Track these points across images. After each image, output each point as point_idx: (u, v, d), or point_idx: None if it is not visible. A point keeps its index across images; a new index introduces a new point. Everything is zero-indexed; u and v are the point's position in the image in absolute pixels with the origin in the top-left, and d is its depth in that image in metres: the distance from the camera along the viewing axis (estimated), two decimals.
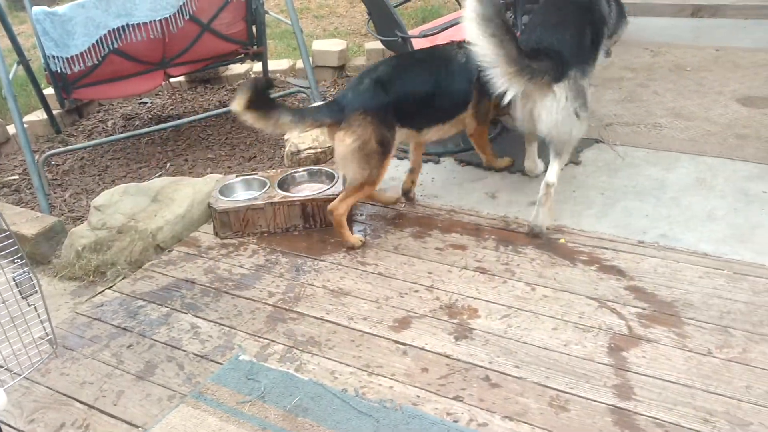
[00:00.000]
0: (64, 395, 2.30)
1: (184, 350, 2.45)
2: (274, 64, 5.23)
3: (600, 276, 2.61)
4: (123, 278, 2.93)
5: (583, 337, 2.31)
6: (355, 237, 2.99)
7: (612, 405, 2.03)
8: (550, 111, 2.79)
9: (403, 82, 2.92)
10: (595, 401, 2.05)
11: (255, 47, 4.42)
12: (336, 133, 2.83)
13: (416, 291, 2.64)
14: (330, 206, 2.96)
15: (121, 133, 4.48)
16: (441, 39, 3.62)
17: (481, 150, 3.37)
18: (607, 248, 2.78)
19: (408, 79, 2.95)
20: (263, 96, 2.71)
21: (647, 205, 3.04)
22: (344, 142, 2.79)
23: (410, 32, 3.56)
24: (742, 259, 2.61)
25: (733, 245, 2.70)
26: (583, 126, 2.90)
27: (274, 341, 2.45)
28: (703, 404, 2.00)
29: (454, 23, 3.50)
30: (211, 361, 2.38)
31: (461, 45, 2.97)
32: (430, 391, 2.15)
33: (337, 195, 3.05)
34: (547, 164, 2.96)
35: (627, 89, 4.18)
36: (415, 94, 2.93)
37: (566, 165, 3.42)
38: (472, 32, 2.55)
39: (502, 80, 2.63)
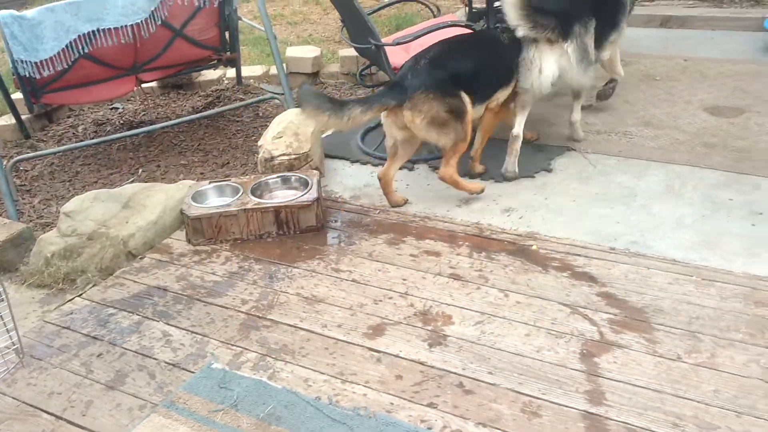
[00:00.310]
0: (31, 406, 2.25)
1: (155, 359, 2.42)
2: (247, 70, 5.21)
3: (572, 282, 2.64)
4: (93, 286, 2.88)
5: (556, 343, 2.33)
6: (476, 185, 3.27)
7: (584, 410, 2.05)
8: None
9: (457, 60, 3.14)
10: (567, 407, 2.07)
11: (228, 53, 4.40)
12: (404, 114, 3.04)
13: (390, 298, 2.64)
14: (440, 174, 3.21)
15: (92, 138, 4.42)
16: (415, 47, 3.65)
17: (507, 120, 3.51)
18: (579, 255, 2.81)
19: (460, 57, 3.17)
20: (327, 98, 2.96)
21: (618, 212, 3.09)
22: (414, 122, 3.05)
23: (384, 40, 3.57)
24: (709, 265, 2.66)
25: (702, 252, 2.75)
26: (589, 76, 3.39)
27: (247, 349, 2.43)
28: (673, 409, 2.03)
29: (427, 31, 3.54)
30: (183, 369, 2.35)
31: (504, 30, 3.29)
32: (404, 399, 2.15)
33: (312, 201, 3.06)
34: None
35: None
36: (468, 70, 3.14)
37: (538, 172, 3.47)
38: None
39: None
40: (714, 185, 3.21)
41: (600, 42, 3.44)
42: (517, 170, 3.43)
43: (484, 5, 4.56)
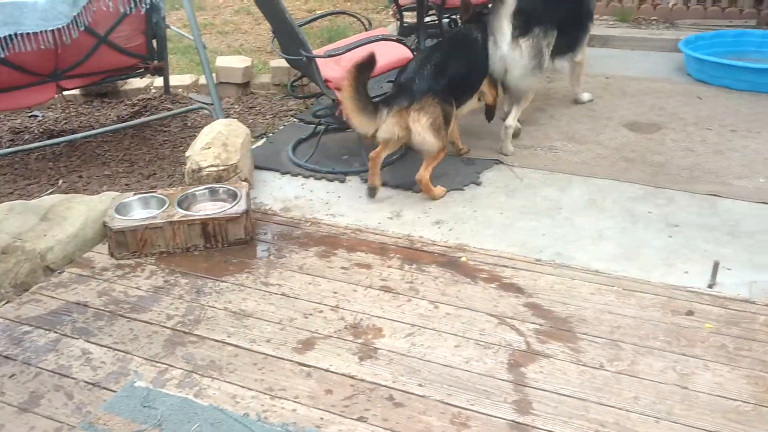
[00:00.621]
0: None
1: (73, 378, 2.31)
2: (176, 79, 5.10)
3: (500, 293, 2.69)
4: (6, 302, 2.74)
5: (484, 354, 2.36)
6: (440, 189, 3.45)
7: (511, 420, 2.09)
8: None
9: (452, 66, 3.42)
10: (495, 417, 2.10)
11: (155, 61, 4.30)
12: (410, 114, 3.25)
13: (321, 311, 2.62)
14: (418, 176, 3.38)
15: (8, 147, 4.22)
16: (346, 60, 3.65)
17: (493, 108, 3.88)
18: (506, 266, 2.86)
19: (454, 63, 3.44)
20: (370, 100, 3.18)
21: (544, 224, 3.17)
22: (420, 122, 3.26)
23: (315, 52, 3.57)
24: (629, 275, 2.76)
25: (622, 263, 2.85)
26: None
27: (172, 366, 2.35)
28: (596, 416, 2.09)
29: (359, 45, 3.55)
30: (104, 388, 2.26)
31: (478, 27, 3.61)
32: (334, 413, 2.13)
33: (240, 214, 3.01)
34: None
35: (525, 113, 4.32)
36: (459, 75, 3.45)
37: (467, 185, 3.52)
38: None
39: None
40: (633, 198, 3.34)
41: (556, 54, 3.87)
42: (510, 150, 3.82)
43: (415, 21, 4.63)
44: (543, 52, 3.69)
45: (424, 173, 3.38)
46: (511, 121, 3.78)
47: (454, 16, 5.20)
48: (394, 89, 3.42)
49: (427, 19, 4.84)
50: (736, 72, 4.62)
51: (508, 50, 3.56)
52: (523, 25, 3.55)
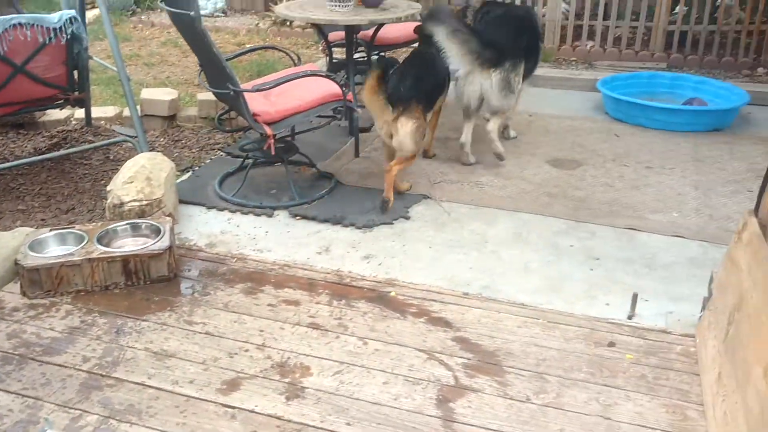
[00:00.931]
0: None
1: None
2: (98, 111, 4.95)
3: (429, 328, 2.69)
4: None
5: (413, 390, 2.35)
6: (406, 184, 3.84)
7: None
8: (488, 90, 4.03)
9: (425, 78, 3.76)
10: None
11: (76, 93, 4.15)
12: (398, 119, 3.55)
13: (247, 350, 2.55)
14: (387, 167, 3.66)
15: None
16: (274, 94, 3.65)
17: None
18: (435, 300, 2.87)
19: (426, 75, 3.79)
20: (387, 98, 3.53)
21: (471, 258, 3.21)
22: (406, 126, 3.57)
23: (243, 86, 3.54)
24: (554, 308, 2.82)
25: (547, 295, 2.91)
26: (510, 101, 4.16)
27: (87, 411, 2.23)
28: None
29: (287, 79, 3.55)
30: None
31: (430, 48, 3.92)
32: None
33: (163, 250, 2.93)
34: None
35: (453, 149, 4.43)
36: (430, 85, 3.81)
37: (396, 219, 3.54)
38: (448, 44, 3.83)
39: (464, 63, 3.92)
40: (557, 232, 3.44)
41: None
42: (471, 161, 4.23)
43: (345, 57, 4.67)
44: (512, 83, 4.09)
45: (393, 167, 3.64)
46: (492, 126, 4.17)
47: (383, 53, 5.30)
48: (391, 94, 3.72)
49: (356, 55, 4.89)
50: (649, 111, 4.87)
51: (485, 83, 4.00)
52: (495, 59, 3.95)
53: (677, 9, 6.50)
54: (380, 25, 4.61)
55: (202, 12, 8.83)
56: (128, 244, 3.09)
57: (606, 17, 6.61)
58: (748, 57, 6.27)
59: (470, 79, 4.01)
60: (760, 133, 4.79)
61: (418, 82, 3.67)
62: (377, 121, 3.68)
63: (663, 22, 6.36)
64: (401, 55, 6.72)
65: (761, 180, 2.41)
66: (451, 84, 4.13)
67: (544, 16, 6.72)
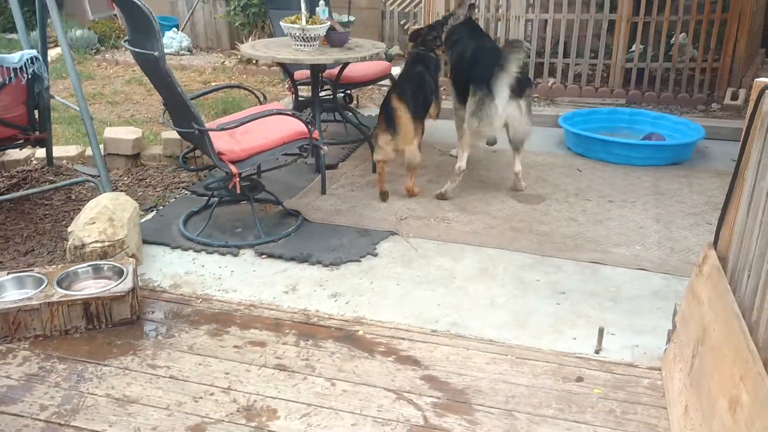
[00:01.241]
0: None
1: None
2: (60, 150, 4.88)
3: (397, 367, 2.67)
4: None
5: (382, 431, 2.32)
6: (417, 189, 4.34)
7: None
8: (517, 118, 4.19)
9: (419, 90, 4.21)
10: None
11: (37, 133, 4.10)
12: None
13: (212, 394, 2.49)
14: (406, 186, 4.30)
15: None
16: (239, 133, 3.65)
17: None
18: (403, 338, 2.86)
19: (420, 88, 4.23)
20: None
21: (438, 294, 3.21)
22: (414, 143, 4.16)
23: (208, 125, 3.53)
24: (522, 343, 2.83)
25: (514, 331, 2.92)
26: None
27: None
28: None
29: (252, 118, 3.55)
30: None
31: (427, 53, 4.40)
32: None
33: (126, 292, 2.87)
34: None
35: (419, 185, 4.46)
36: (425, 97, 4.25)
37: (364, 257, 3.53)
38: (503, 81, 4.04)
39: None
40: (522, 267, 3.46)
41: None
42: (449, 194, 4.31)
43: (310, 95, 4.70)
44: (531, 106, 4.34)
45: (410, 183, 4.28)
46: (518, 167, 4.38)
47: (348, 91, 5.35)
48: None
49: (322, 93, 4.93)
50: (610, 146, 4.98)
51: (510, 109, 4.11)
52: (521, 87, 4.13)
53: (633, 47, 6.71)
54: (345, 64, 4.66)
55: (167, 50, 8.88)
56: (90, 287, 3.02)
57: (566, 55, 6.79)
58: (703, 93, 6.47)
59: (500, 109, 4.08)
60: (716, 166, 4.92)
61: (415, 97, 4.12)
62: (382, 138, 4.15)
63: (620, 60, 6.55)
64: (367, 92, 6.81)
65: (719, 213, 2.47)
66: (467, 113, 4.22)
67: None
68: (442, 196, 4.27)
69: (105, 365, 2.66)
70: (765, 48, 7.47)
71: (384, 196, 4.23)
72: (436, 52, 4.47)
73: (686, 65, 6.55)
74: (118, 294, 2.88)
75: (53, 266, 3.16)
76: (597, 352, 2.78)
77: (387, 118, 4.11)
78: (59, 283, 2.95)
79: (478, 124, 4.16)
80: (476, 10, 5.03)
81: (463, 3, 4.82)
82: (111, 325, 2.90)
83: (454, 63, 4.58)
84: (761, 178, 2.07)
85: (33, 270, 3.08)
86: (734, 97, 6.19)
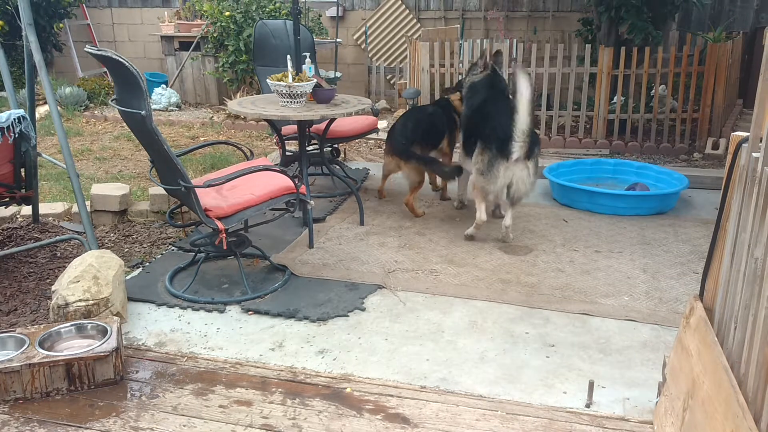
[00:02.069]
0: None
1: None
2: (47, 207, 4.87)
3: (386, 425, 2.62)
4: None
5: None
6: (421, 211, 4.92)
7: None
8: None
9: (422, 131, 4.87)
10: None
11: (23, 191, 4.09)
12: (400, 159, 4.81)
13: None
14: (405, 200, 4.87)
15: None
16: (227, 188, 3.66)
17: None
18: (392, 395, 2.81)
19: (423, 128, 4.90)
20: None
21: (427, 349, 3.18)
22: (407, 165, 4.76)
23: (195, 181, 3.54)
24: (512, 399, 2.79)
25: (504, 386, 2.88)
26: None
27: None
28: None
29: (239, 174, 3.57)
30: None
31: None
32: None
33: (109, 352, 2.82)
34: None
35: (406, 237, 4.48)
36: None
37: (351, 311, 3.51)
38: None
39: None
40: (511, 319, 3.44)
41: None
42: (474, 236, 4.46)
43: (297, 149, 4.74)
44: (538, 165, 4.42)
45: (409, 198, 4.80)
46: (509, 221, 4.39)
47: (335, 145, 5.40)
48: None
49: (309, 147, 4.98)
50: (595, 197, 5.03)
51: (516, 170, 4.18)
52: (529, 149, 4.15)
53: (615, 99, 6.85)
54: (332, 120, 4.72)
55: (156, 106, 8.98)
56: (73, 347, 2.97)
57: (549, 107, 6.92)
58: (684, 143, 6.60)
59: (507, 169, 4.17)
60: (700, 215, 4.97)
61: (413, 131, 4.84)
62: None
63: (603, 111, 6.69)
64: (354, 146, 6.88)
65: (705, 263, 2.48)
66: (473, 172, 4.38)
67: None
68: (470, 238, 4.45)
69: (86, 428, 2.59)
70: (742, 98, 7.66)
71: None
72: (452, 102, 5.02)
73: (667, 116, 6.69)
74: (102, 354, 2.83)
75: (36, 326, 3.11)
76: (588, 406, 2.74)
77: None
78: (41, 344, 2.90)
79: (484, 182, 4.26)
80: (502, 59, 5.20)
81: (496, 53, 4.98)
82: (94, 386, 2.84)
83: (466, 115, 4.72)
84: (742, 229, 2.09)
85: (15, 330, 3.02)
86: (715, 146, 6.30)
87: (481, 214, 4.36)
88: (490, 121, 4.31)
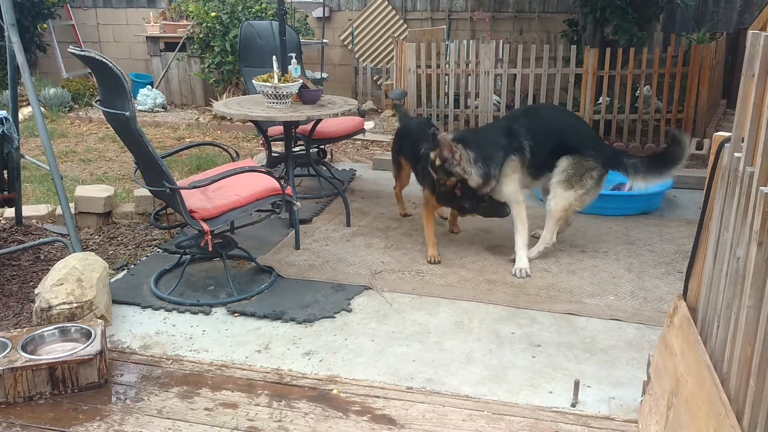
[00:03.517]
0: None
1: None
2: (30, 210, 4.82)
3: (372, 427, 2.61)
4: None
5: None
6: (434, 243, 4.23)
7: None
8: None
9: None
10: None
11: (5, 193, 4.05)
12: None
13: None
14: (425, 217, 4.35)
15: None
16: (212, 189, 3.64)
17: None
18: (378, 396, 2.81)
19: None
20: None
21: (414, 349, 3.18)
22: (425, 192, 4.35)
23: (180, 183, 3.52)
24: (498, 399, 2.79)
25: (490, 386, 2.89)
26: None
27: None
28: None
29: (225, 176, 3.55)
30: None
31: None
32: None
33: (93, 355, 2.80)
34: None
35: (393, 238, 4.47)
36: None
37: (338, 312, 3.50)
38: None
39: None
40: (497, 320, 3.45)
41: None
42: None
43: (283, 150, 4.73)
44: None
45: (423, 209, 4.38)
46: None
47: (322, 146, 5.40)
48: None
49: (295, 148, 4.96)
50: None
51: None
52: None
53: (600, 99, 6.88)
54: (318, 120, 4.71)
55: (141, 107, 8.91)
56: (56, 350, 2.95)
57: None
58: None
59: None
60: (685, 215, 5.01)
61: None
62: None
63: (588, 112, 6.71)
64: (341, 147, 6.87)
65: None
66: (572, 194, 4.18)
67: (476, 107, 7.01)
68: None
69: None
70: (726, 99, 7.73)
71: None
72: None
73: (651, 116, 6.73)
74: (85, 357, 2.80)
75: (18, 330, 3.08)
76: (573, 405, 2.75)
77: None
78: (24, 348, 2.87)
79: (589, 198, 4.24)
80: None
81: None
82: (78, 390, 2.81)
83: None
84: (725, 229, 2.11)
85: None
86: (699, 146, 6.34)
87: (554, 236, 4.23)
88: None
